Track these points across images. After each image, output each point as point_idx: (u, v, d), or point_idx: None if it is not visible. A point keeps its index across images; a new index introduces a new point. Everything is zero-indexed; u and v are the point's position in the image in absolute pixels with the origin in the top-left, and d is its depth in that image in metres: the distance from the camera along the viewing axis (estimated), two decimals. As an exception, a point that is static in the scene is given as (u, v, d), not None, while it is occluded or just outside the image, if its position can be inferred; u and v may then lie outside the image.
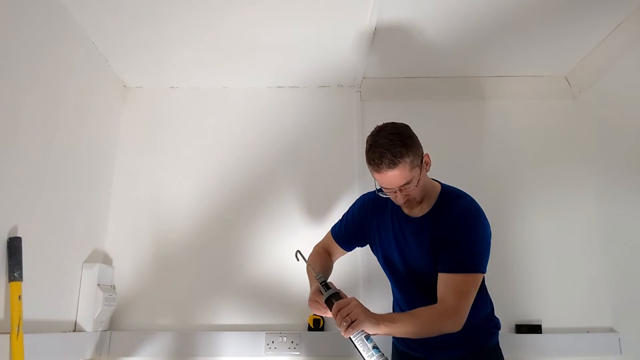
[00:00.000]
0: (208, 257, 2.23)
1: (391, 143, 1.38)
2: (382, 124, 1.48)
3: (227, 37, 2.05)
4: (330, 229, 1.79)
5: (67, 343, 1.84)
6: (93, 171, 2.13)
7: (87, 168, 2.07)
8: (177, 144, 2.38)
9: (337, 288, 1.42)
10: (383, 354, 1.27)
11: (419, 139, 1.49)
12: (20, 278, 1.50)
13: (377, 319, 1.30)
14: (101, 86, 2.22)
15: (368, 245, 1.75)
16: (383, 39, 2.06)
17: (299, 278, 2.19)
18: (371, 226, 1.67)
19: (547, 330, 2.10)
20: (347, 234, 1.73)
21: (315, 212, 2.28)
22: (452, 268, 1.43)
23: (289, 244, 2.24)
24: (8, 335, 1.44)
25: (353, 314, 1.28)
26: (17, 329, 1.45)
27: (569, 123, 2.37)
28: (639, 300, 1.98)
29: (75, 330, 1.92)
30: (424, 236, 1.52)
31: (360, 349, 1.28)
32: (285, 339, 2.06)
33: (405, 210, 1.57)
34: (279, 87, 2.47)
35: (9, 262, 1.49)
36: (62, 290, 1.87)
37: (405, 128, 1.45)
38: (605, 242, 2.18)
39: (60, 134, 1.84)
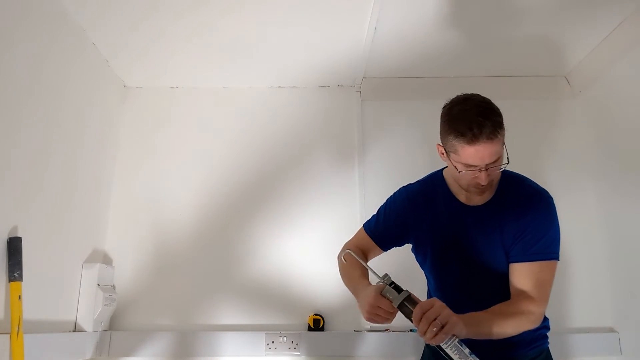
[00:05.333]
0: (208, 257, 2.23)
1: (489, 112, 1.23)
2: (460, 94, 1.31)
3: (227, 37, 2.05)
4: (363, 226, 1.59)
5: (67, 343, 1.84)
6: (93, 171, 2.13)
7: (87, 168, 2.07)
8: (177, 143, 2.38)
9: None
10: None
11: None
12: (20, 278, 1.50)
13: (464, 320, 1.14)
14: (101, 86, 2.22)
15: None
16: (383, 39, 2.06)
17: (299, 278, 2.20)
18: (418, 222, 1.47)
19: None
20: (387, 232, 1.52)
21: (315, 212, 2.28)
22: (530, 256, 1.31)
23: (288, 244, 2.24)
24: (8, 335, 1.44)
25: (442, 317, 1.10)
26: (17, 329, 1.45)
27: (569, 123, 2.37)
28: (639, 300, 1.98)
29: (75, 330, 1.92)
30: (491, 225, 1.37)
31: (456, 357, 1.11)
32: (285, 339, 2.06)
33: (462, 199, 1.41)
34: (279, 87, 2.47)
35: (9, 262, 1.49)
36: (62, 290, 1.87)
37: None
38: (605, 242, 2.18)
39: (60, 134, 1.84)
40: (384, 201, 1.58)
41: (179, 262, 2.22)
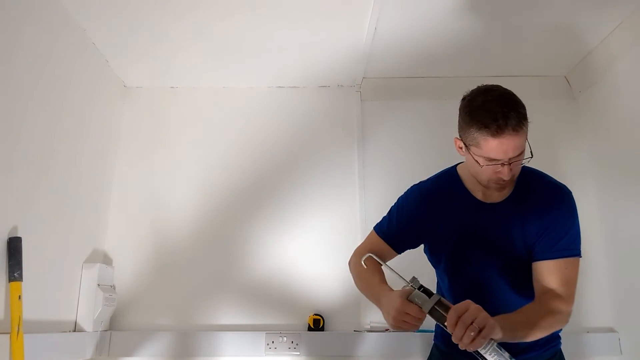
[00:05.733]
0: (208, 257, 2.23)
1: (513, 103, 1.19)
2: (482, 85, 1.26)
3: (227, 38, 2.05)
4: (374, 229, 1.49)
5: (67, 343, 1.84)
6: (93, 171, 2.13)
7: (88, 168, 2.07)
8: (177, 143, 2.38)
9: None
10: None
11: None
12: (20, 278, 1.50)
13: (498, 324, 1.06)
14: (101, 86, 2.22)
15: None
16: (383, 39, 2.06)
17: (299, 278, 2.20)
18: (433, 222, 1.40)
19: (547, 330, 2.10)
20: (401, 233, 1.43)
21: (315, 212, 2.28)
22: (556, 253, 1.26)
23: (289, 244, 2.24)
24: (8, 335, 1.44)
25: (479, 320, 1.02)
26: (17, 329, 1.45)
27: (569, 123, 2.37)
28: (639, 300, 1.98)
29: (75, 330, 1.92)
30: (511, 222, 1.32)
31: None
32: (285, 339, 2.06)
33: (479, 196, 1.36)
34: (279, 87, 2.47)
35: (9, 262, 1.49)
36: (62, 290, 1.87)
37: None
38: (605, 242, 2.18)
39: (60, 134, 1.84)
40: (395, 201, 1.50)
41: (179, 262, 2.22)
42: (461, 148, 1.29)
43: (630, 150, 2.01)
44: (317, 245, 2.23)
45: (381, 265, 1.30)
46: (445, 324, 1.07)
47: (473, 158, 1.24)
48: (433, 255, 1.48)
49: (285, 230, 2.26)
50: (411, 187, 1.49)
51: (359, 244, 2.22)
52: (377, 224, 1.49)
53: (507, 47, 2.15)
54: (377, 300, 1.27)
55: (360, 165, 2.32)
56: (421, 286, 1.14)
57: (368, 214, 2.26)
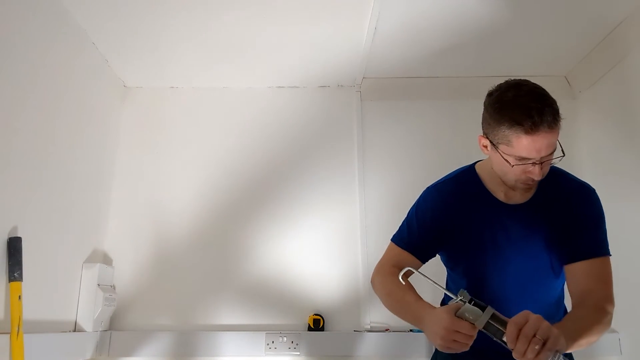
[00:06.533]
0: (208, 257, 2.23)
1: (546, 98, 1.12)
2: (509, 80, 1.20)
3: (227, 37, 2.05)
4: (392, 241, 1.37)
5: (67, 343, 1.84)
6: (93, 171, 2.13)
7: (87, 168, 2.07)
8: (177, 143, 2.38)
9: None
10: None
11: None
12: (20, 278, 1.50)
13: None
14: (101, 86, 2.22)
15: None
16: (383, 39, 2.06)
17: (299, 278, 2.20)
18: (453, 225, 1.30)
19: (547, 330, 2.10)
20: (425, 240, 1.32)
21: (315, 212, 2.28)
22: (591, 253, 1.21)
23: (289, 244, 2.24)
24: (8, 335, 1.44)
25: (542, 332, 0.93)
26: (17, 329, 1.45)
27: (569, 123, 2.36)
28: (639, 300, 1.98)
29: (75, 330, 1.92)
30: (536, 224, 1.26)
31: None
32: (285, 339, 2.06)
33: (501, 197, 1.28)
34: (279, 87, 2.47)
35: (9, 262, 1.49)
36: (62, 290, 1.87)
37: None
38: (605, 242, 2.18)
39: (60, 134, 1.84)
40: (411, 207, 1.39)
41: (179, 262, 2.22)
42: (486, 147, 1.22)
43: (630, 150, 2.01)
44: (317, 245, 2.23)
45: (430, 278, 1.15)
46: (503, 338, 0.97)
47: (502, 157, 1.16)
48: (451, 259, 1.38)
49: (285, 230, 2.26)
50: (427, 188, 1.38)
51: (360, 245, 2.21)
52: (394, 236, 1.37)
53: (507, 47, 2.15)
54: (417, 320, 1.16)
55: (360, 165, 2.32)
56: (471, 299, 1.03)
57: (368, 214, 2.26)
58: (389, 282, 1.24)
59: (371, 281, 1.35)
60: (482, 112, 1.23)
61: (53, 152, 1.79)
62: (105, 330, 2.06)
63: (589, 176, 2.28)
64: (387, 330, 2.09)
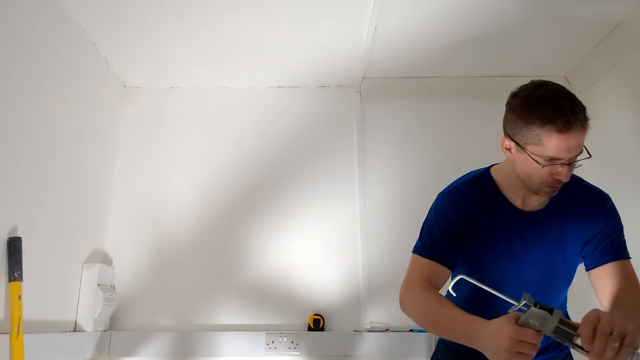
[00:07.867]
0: (208, 257, 2.23)
1: (575, 97, 1.10)
2: (535, 80, 1.18)
3: (227, 37, 2.06)
4: (414, 253, 1.29)
5: (67, 343, 1.84)
6: (93, 171, 2.13)
7: (87, 168, 2.07)
8: (177, 143, 2.38)
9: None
10: None
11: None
12: (20, 278, 1.50)
13: None
14: (101, 86, 2.22)
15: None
16: (383, 39, 2.06)
17: (299, 278, 2.20)
18: (470, 230, 1.25)
19: (547, 330, 2.10)
20: (450, 249, 1.25)
21: (315, 212, 2.28)
22: (615, 256, 1.20)
23: (289, 244, 2.24)
24: (8, 335, 1.44)
25: (619, 328, 0.88)
26: (17, 329, 1.45)
27: (569, 123, 2.37)
28: None
29: (75, 330, 1.93)
30: (554, 231, 1.23)
31: None
32: (285, 339, 2.06)
33: (518, 203, 1.25)
34: (279, 87, 2.47)
35: (9, 262, 1.49)
36: (62, 290, 1.87)
37: None
38: (605, 242, 2.18)
39: (60, 134, 1.84)
40: (426, 217, 1.33)
41: (179, 262, 2.22)
42: (509, 149, 1.19)
43: (629, 150, 2.01)
44: (318, 245, 2.23)
45: (484, 285, 1.06)
46: (575, 341, 0.91)
47: (530, 158, 1.12)
48: (463, 267, 1.30)
49: (285, 230, 2.26)
50: (440, 193, 1.33)
51: (360, 245, 2.20)
52: (416, 247, 1.30)
53: (507, 47, 2.15)
54: (467, 336, 1.05)
55: (360, 165, 2.32)
56: (536, 303, 0.95)
57: (368, 214, 2.26)
58: (425, 298, 1.17)
59: (400, 301, 1.25)
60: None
61: (53, 152, 1.79)
62: (105, 330, 2.06)
63: (588, 176, 2.28)
64: (387, 330, 2.09)
